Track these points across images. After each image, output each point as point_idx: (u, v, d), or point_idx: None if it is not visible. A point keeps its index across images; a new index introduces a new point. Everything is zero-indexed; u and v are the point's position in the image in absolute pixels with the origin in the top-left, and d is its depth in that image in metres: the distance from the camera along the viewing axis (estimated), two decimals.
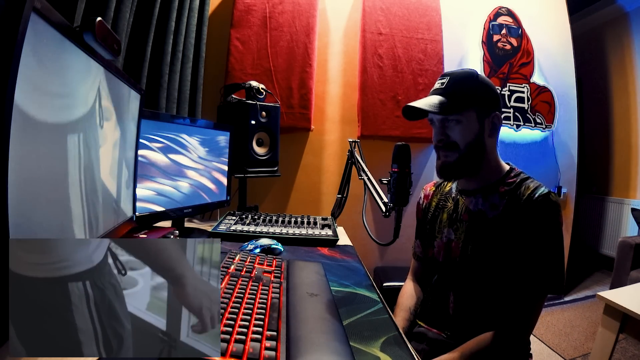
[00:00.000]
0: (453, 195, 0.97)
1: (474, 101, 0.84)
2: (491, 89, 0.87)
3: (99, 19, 0.50)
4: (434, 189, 1.06)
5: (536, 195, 0.80)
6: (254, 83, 1.58)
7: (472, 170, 0.88)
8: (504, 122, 2.25)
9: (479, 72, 0.88)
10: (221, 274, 0.65)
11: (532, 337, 0.84)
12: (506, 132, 2.49)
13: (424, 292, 1.03)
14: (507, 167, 0.91)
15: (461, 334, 0.86)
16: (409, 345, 0.57)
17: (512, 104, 2.50)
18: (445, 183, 1.04)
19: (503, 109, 2.42)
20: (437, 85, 0.88)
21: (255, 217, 1.29)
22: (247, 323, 0.49)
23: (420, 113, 0.88)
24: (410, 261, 1.13)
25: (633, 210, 2.74)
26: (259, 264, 0.76)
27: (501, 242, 0.83)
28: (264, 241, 0.99)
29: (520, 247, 0.80)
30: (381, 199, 1.03)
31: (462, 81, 0.85)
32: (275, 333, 0.48)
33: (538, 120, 2.54)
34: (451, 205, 0.96)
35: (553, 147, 2.60)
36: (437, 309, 0.94)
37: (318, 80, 2.18)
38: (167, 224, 1.24)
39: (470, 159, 0.86)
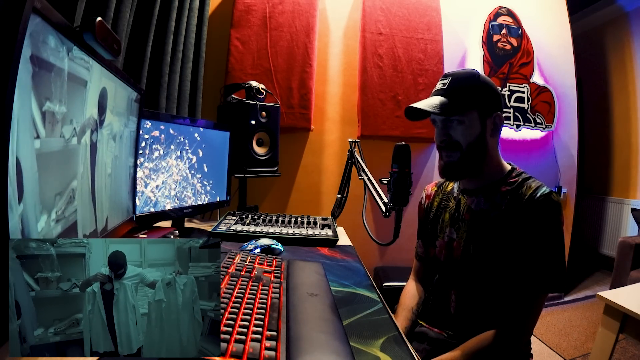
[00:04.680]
0: (455, 194, 0.97)
1: (475, 101, 0.84)
2: (493, 89, 0.87)
3: (99, 19, 0.50)
4: (435, 188, 1.06)
5: (538, 194, 0.81)
6: (254, 83, 1.58)
7: (474, 170, 0.88)
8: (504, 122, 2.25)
9: (480, 72, 0.89)
10: (221, 274, 0.65)
11: (532, 337, 0.84)
12: (506, 132, 2.49)
13: (426, 292, 1.03)
14: (508, 167, 0.92)
15: (462, 333, 0.86)
16: (409, 345, 0.57)
17: (512, 104, 2.50)
18: (447, 183, 1.04)
19: (503, 109, 2.42)
20: (438, 85, 0.88)
21: (255, 217, 1.29)
22: (247, 323, 0.49)
23: (423, 113, 0.89)
24: (412, 261, 1.13)
25: (633, 210, 2.74)
26: (259, 264, 0.76)
27: (502, 241, 0.83)
28: (264, 241, 0.99)
29: (521, 246, 0.80)
30: (381, 199, 1.03)
31: (464, 81, 0.85)
32: (275, 333, 0.48)
33: (538, 120, 2.54)
34: (453, 204, 0.96)
35: (553, 147, 2.60)
36: (439, 308, 0.95)
37: (318, 80, 2.18)
38: (167, 224, 1.24)
39: (473, 158, 0.86)
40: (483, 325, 0.82)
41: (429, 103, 0.84)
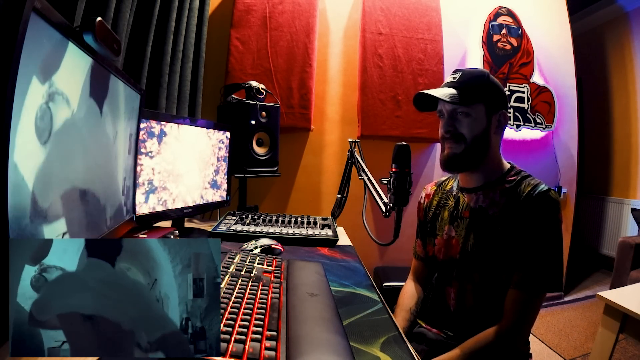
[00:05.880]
0: (454, 193, 0.98)
1: (483, 96, 0.86)
2: (500, 88, 0.90)
3: (99, 19, 0.50)
4: (435, 188, 1.06)
5: (536, 192, 0.81)
6: (254, 83, 1.58)
7: (475, 164, 0.89)
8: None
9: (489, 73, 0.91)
10: (221, 274, 0.65)
11: (532, 337, 0.85)
12: (506, 132, 2.48)
13: (425, 291, 1.03)
14: (508, 166, 0.92)
15: (462, 332, 0.87)
16: (409, 345, 0.57)
17: (512, 104, 2.51)
18: (447, 182, 1.04)
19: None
20: (449, 79, 0.90)
21: (255, 217, 1.29)
22: (247, 323, 0.49)
23: (430, 105, 0.91)
24: (411, 261, 1.13)
25: (633, 210, 2.74)
26: (259, 264, 0.76)
27: (501, 238, 0.83)
28: (264, 241, 0.99)
29: (519, 244, 0.81)
30: (381, 199, 1.03)
31: (474, 77, 0.88)
32: (275, 333, 0.48)
33: (538, 120, 2.54)
34: (452, 202, 0.96)
35: (553, 147, 2.60)
36: (438, 307, 0.95)
37: (318, 80, 2.18)
38: (167, 224, 1.24)
39: (475, 152, 0.87)
40: (482, 324, 0.83)
41: (441, 92, 0.86)
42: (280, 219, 1.28)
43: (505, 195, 0.86)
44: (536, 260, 0.79)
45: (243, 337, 0.45)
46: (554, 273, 0.78)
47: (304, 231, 1.17)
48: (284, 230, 1.16)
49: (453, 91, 0.86)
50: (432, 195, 1.05)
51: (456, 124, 0.87)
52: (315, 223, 1.27)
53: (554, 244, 0.79)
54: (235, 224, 1.21)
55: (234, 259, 0.75)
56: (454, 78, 0.89)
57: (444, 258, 0.95)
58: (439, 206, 1.01)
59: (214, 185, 1.33)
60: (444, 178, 1.07)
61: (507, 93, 2.50)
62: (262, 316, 0.52)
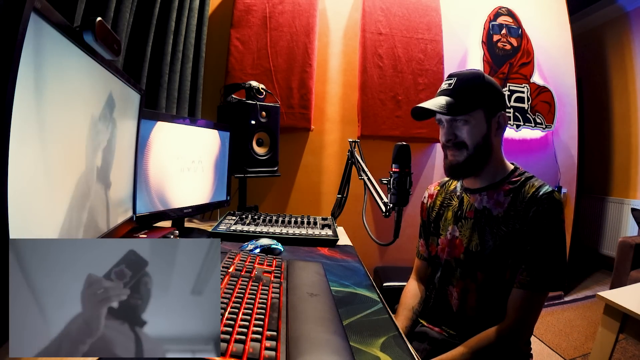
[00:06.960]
0: (458, 193, 0.98)
1: (481, 101, 0.85)
2: (497, 89, 0.89)
3: (99, 19, 0.50)
4: (438, 188, 1.06)
5: (540, 193, 0.81)
6: (254, 83, 1.58)
7: (479, 169, 0.89)
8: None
9: (484, 73, 0.90)
10: (221, 274, 0.65)
11: (532, 337, 0.85)
12: (506, 132, 2.47)
13: (427, 291, 1.04)
14: (511, 167, 0.93)
15: (464, 331, 0.87)
16: (409, 345, 0.57)
17: (512, 104, 2.50)
18: (450, 182, 1.04)
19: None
20: (444, 86, 0.89)
21: (255, 217, 1.29)
22: (247, 323, 0.49)
23: (428, 113, 0.90)
24: (412, 261, 1.13)
25: (633, 210, 2.74)
26: (259, 264, 0.76)
27: (505, 238, 0.84)
28: (264, 241, 0.99)
29: (523, 243, 0.81)
30: (381, 199, 1.03)
31: (469, 82, 0.86)
32: (275, 333, 0.48)
33: (538, 120, 2.54)
34: (456, 203, 0.97)
35: (553, 147, 2.60)
36: (441, 307, 0.95)
37: (318, 80, 2.18)
38: (167, 224, 1.24)
39: (478, 158, 0.87)
40: (484, 323, 0.83)
41: (436, 103, 0.85)
42: (280, 219, 1.28)
43: (509, 196, 0.86)
44: (540, 259, 0.79)
45: (243, 337, 0.45)
46: (558, 272, 0.79)
47: (304, 231, 1.17)
48: (284, 230, 1.16)
49: (449, 99, 0.85)
50: (436, 196, 1.05)
51: (456, 131, 0.87)
52: (315, 223, 1.27)
53: (557, 243, 0.80)
54: (235, 224, 1.21)
55: (234, 259, 0.75)
56: (449, 85, 0.87)
57: (447, 258, 0.95)
58: (442, 206, 1.01)
59: (214, 185, 1.32)
60: (446, 178, 1.07)
61: (507, 93, 2.50)
62: (262, 316, 0.51)
